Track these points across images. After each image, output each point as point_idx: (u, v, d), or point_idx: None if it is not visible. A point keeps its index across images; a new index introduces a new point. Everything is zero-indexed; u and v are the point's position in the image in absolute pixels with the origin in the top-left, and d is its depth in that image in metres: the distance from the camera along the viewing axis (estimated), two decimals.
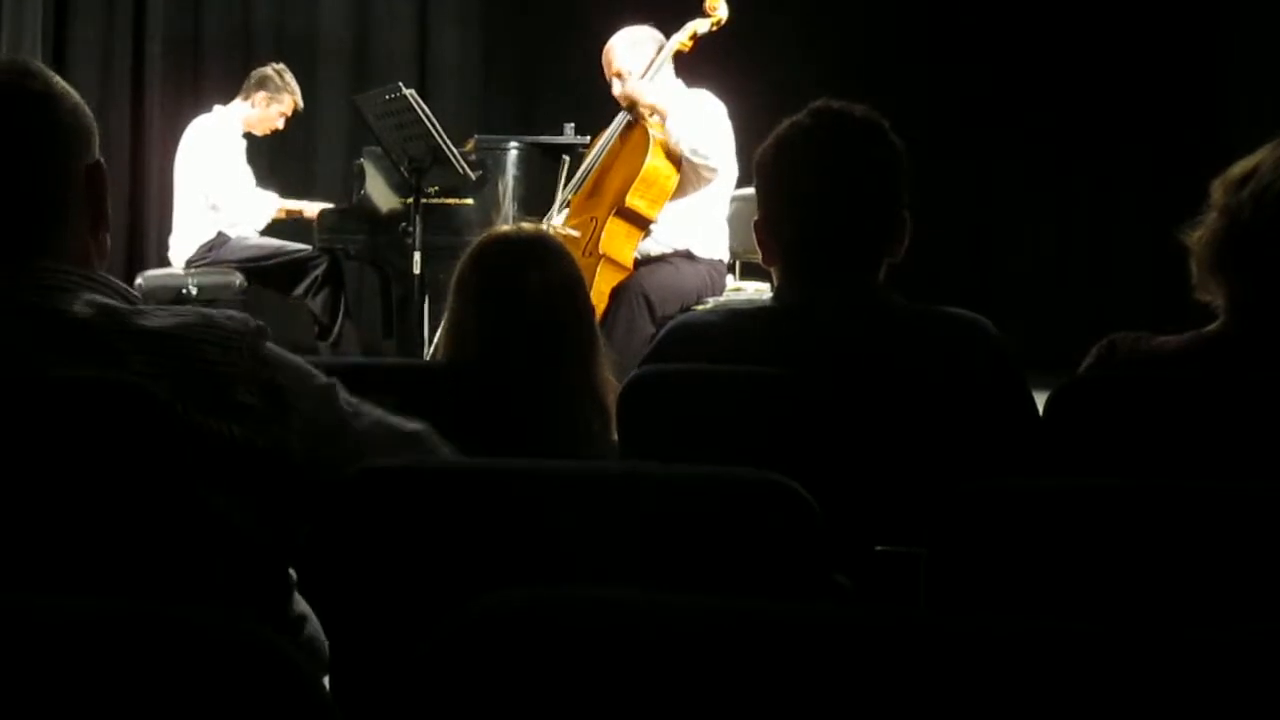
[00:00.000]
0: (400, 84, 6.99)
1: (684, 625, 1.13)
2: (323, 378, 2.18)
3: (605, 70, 6.28)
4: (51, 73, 2.18)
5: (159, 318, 2.05)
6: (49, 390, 1.96)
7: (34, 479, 1.92)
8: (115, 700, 1.07)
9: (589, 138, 6.87)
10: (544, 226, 6.01)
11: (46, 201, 2.10)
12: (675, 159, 6.06)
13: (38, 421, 1.94)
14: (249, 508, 2.02)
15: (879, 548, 2.33)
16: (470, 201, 7.43)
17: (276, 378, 2.08)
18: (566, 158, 6.60)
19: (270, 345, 2.11)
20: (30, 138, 2.10)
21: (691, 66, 6.33)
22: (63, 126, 2.14)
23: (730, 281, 6.47)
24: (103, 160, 2.19)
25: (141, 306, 2.09)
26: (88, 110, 2.19)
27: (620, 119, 6.27)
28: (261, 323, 2.13)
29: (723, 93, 6.17)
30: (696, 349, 2.80)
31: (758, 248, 2.90)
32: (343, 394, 2.19)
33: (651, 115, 6.15)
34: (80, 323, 2.01)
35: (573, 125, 7.64)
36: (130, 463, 1.92)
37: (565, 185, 6.42)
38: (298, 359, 2.17)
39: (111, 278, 2.14)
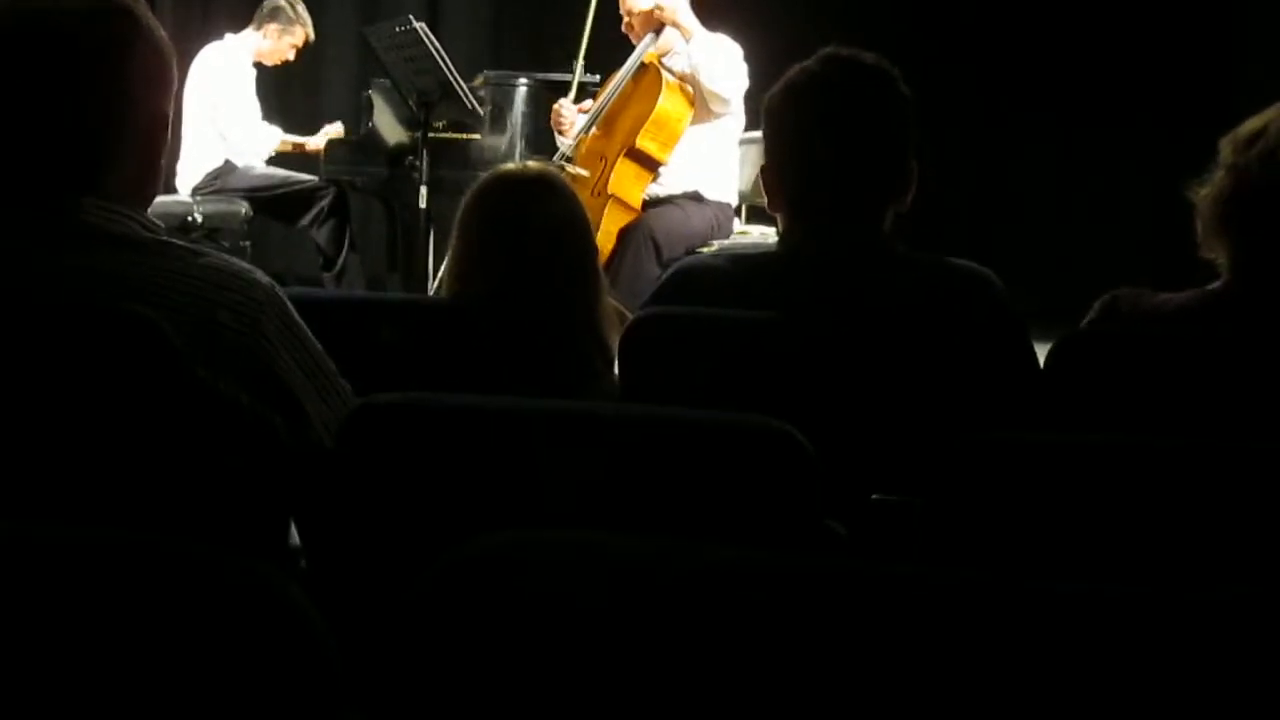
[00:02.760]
0: (410, 17, 6.96)
1: (662, 569, 1.13)
2: (328, 365, 2.19)
3: (620, 6, 6.27)
4: (144, 9, 2.16)
5: (184, 259, 2.06)
6: (60, 315, 1.97)
7: (38, 402, 1.93)
8: (113, 633, 1.07)
9: (599, 76, 6.84)
10: (553, 163, 6.03)
11: (106, 141, 2.10)
12: (688, 99, 6.06)
13: (49, 346, 1.95)
14: (240, 453, 2.03)
15: (875, 496, 2.33)
16: (478, 136, 7.41)
17: (276, 364, 2.08)
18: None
19: (283, 317, 2.11)
20: (102, 76, 2.09)
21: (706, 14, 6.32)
22: (137, 70, 2.12)
23: (736, 225, 6.47)
24: (169, 111, 2.18)
25: (167, 240, 2.10)
26: (171, 55, 2.18)
27: (635, 57, 6.24)
28: (280, 294, 2.12)
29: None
30: (700, 292, 2.80)
31: (763, 193, 2.90)
32: (342, 384, 2.20)
33: (668, 53, 6.14)
34: (105, 256, 2.02)
35: (582, 63, 7.61)
36: (133, 392, 1.93)
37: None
38: (305, 333, 2.17)
39: (150, 218, 2.15)
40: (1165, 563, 1.77)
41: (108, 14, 2.10)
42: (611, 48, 6.49)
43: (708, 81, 5.99)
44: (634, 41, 6.26)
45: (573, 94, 6.56)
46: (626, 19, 6.25)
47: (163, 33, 2.18)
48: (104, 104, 2.10)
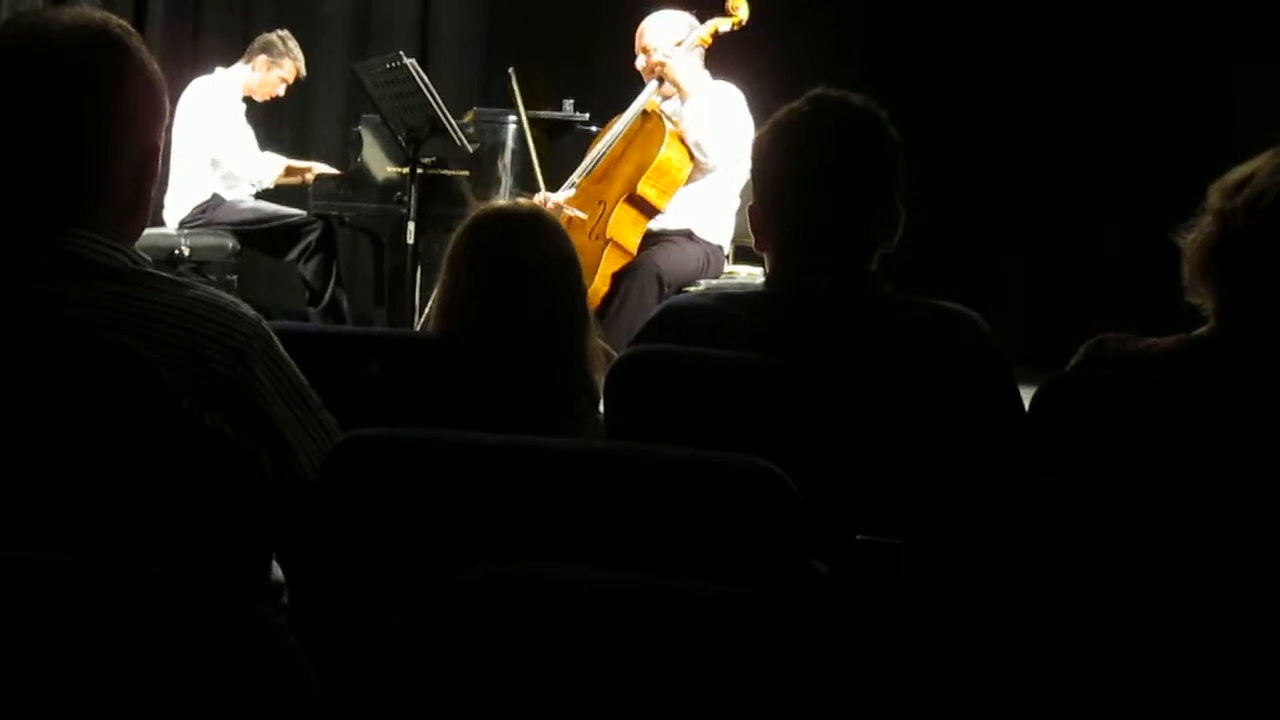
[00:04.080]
0: (401, 53, 6.97)
1: (643, 606, 1.13)
2: (313, 399, 2.19)
3: (636, 44, 6.32)
4: (138, 41, 2.16)
5: (171, 292, 2.06)
6: (46, 345, 1.97)
7: (23, 432, 1.93)
8: (93, 661, 1.07)
9: (589, 115, 6.86)
10: (539, 200, 6.04)
11: (97, 172, 2.10)
12: (689, 150, 6.11)
13: (33, 375, 1.95)
14: (224, 486, 2.03)
15: (859, 536, 2.33)
16: (467, 173, 7.41)
17: (261, 398, 2.08)
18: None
19: (269, 350, 2.11)
20: (95, 107, 2.09)
21: (714, 60, 6.37)
22: (130, 101, 2.13)
23: (726, 266, 6.49)
24: (161, 143, 2.18)
25: (153, 272, 2.10)
26: (163, 88, 2.18)
27: (637, 105, 6.28)
28: (266, 327, 2.12)
29: (741, 87, 6.21)
30: (687, 331, 2.80)
31: (750, 232, 2.91)
32: (326, 417, 2.20)
33: (671, 96, 6.18)
34: (91, 288, 2.02)
35: (572, 101, 7.63)
36: (118, 424, 1.93)
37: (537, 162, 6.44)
38: (290, 366, 2.17)
39: (136, 251, 2.15)
40: (1149, 606, 1.77)
41: (101, 46, 2.11)
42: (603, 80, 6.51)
43: (694, 149, 6.06)
44: (645, 80, 6.30)
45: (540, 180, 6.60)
46: (644, 58, 6.30)
47: (155, 65, 2.19)
48: (95, 135, 2.10)
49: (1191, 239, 2.68)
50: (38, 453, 1.92)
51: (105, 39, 2.11)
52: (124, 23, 2.16)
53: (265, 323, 2.15)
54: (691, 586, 1.15)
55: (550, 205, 6.17)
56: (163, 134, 2.19)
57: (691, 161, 6.12)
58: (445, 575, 1.14)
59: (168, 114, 2.21)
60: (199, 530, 2.00)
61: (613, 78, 6.33)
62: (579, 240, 5.71)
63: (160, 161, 2.20)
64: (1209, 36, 9.01)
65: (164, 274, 2.14)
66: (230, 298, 2.14)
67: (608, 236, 6.07)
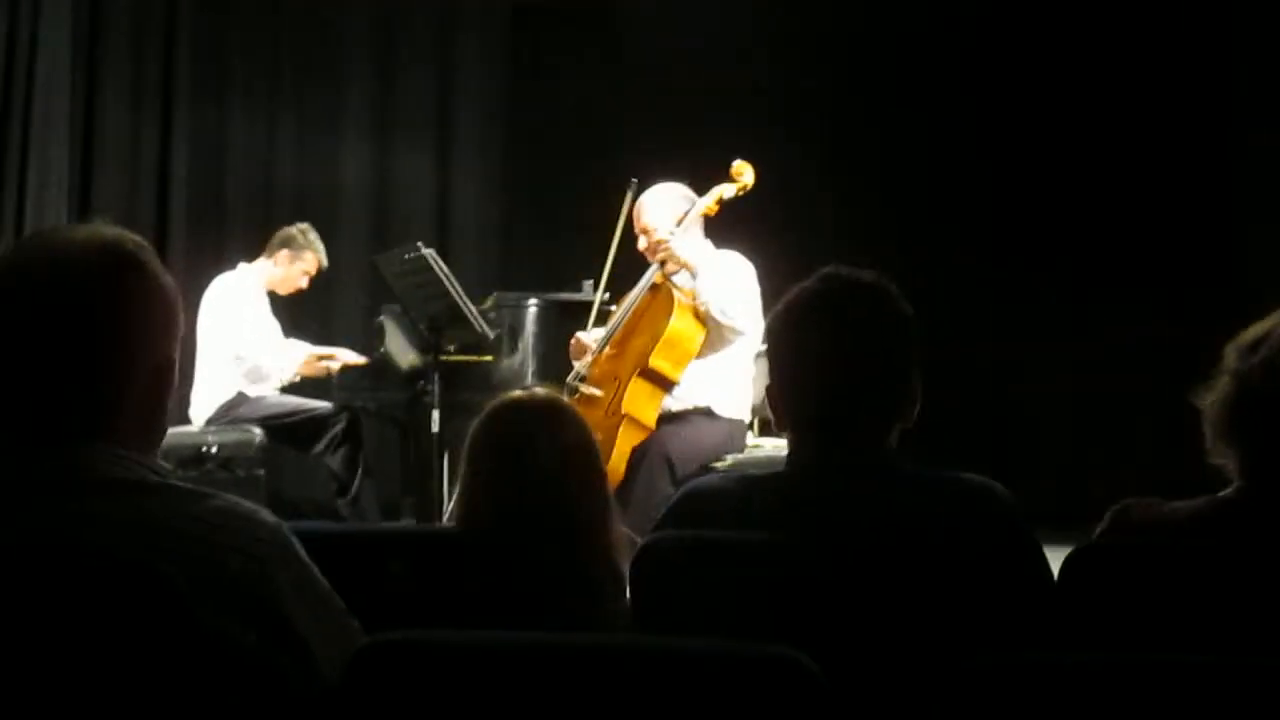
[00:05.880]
0: (419, 244, 7.04)
1: None
2: (336, 602, 2.18)
3: (635, 224, 6.34)
4: (150, 256, 2.19)
5: (191, 503, 2.07)
6: (66, 564, 1.97)
7: (44, 652, 1.93)
8: None
9: (609, 294, 6.92)
10: (568, 383, 6.07)
11: (114, 388, 2.12)
12: (700, 319, 6.11)
13: (53, 594, 1.95)
14: (246, 697, 2.02)
15: None
16: (490, 358, 7.45)
17: (283, 606, 2.08)
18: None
19: (289, 557, 2.11)
20: (109, 324, 2.11)
21: (720, 227, 6.40)
22: (144, 317, 2.15)
23: (750, 439, 6.47)
24: (176, 356, 2.20)
25: (173, 484, 2.11)
26: (176, 301, 2.21)
27: (646, 279, 6.31)
28: (287, 533, 2.13)
29: (749, 253, 6.23)
30: (708, 515, 2.79)
31: (769, 411, 2.91)
32: (349, 622, 2.20)
33: (677, 272, 6.21)
34: (111, 503, 2.03)
35: (591, 282, 7.68)
36: (137, 641, 1.92)
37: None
38: (312, 572, 2.16)
39: (158, 462, 2.16)
40: None
41: (117, 266, 2.13)
42: (622, 265, 6.55)
43: (720, 316, 6.06)
44: (650, 260, 6.32)
45: (591, 321, 6.60)
46: (644, 240, 6.32)
47: (169, 279, 2.21)
48: (112, 353, 2.12)
49: (1210, 400, 2.68)
50: (59, 672, 1.92)
51: (117, 257, 2.13)
52: (137, 238, 2.19)
53: (286, 528, 2.15)
54: None
55: (587, 344, 6.22)
56: (178, 346, 2.21)
57: (704, 329, 6.11)
58: None
59: (182, 326, 2.23)
60: None
61: (633, 255, 6.36)
62: (595, 417, 5.73)
63: (175, 374, 2.21)
64: (1225, 191, 9.04)
65: (184, 485, 2.14)
66: (250, 505, 2.14)
67: (624, 413, 6.06)
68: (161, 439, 2.25)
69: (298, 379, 8.30)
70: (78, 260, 2.11)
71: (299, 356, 8.25)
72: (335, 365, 8.21)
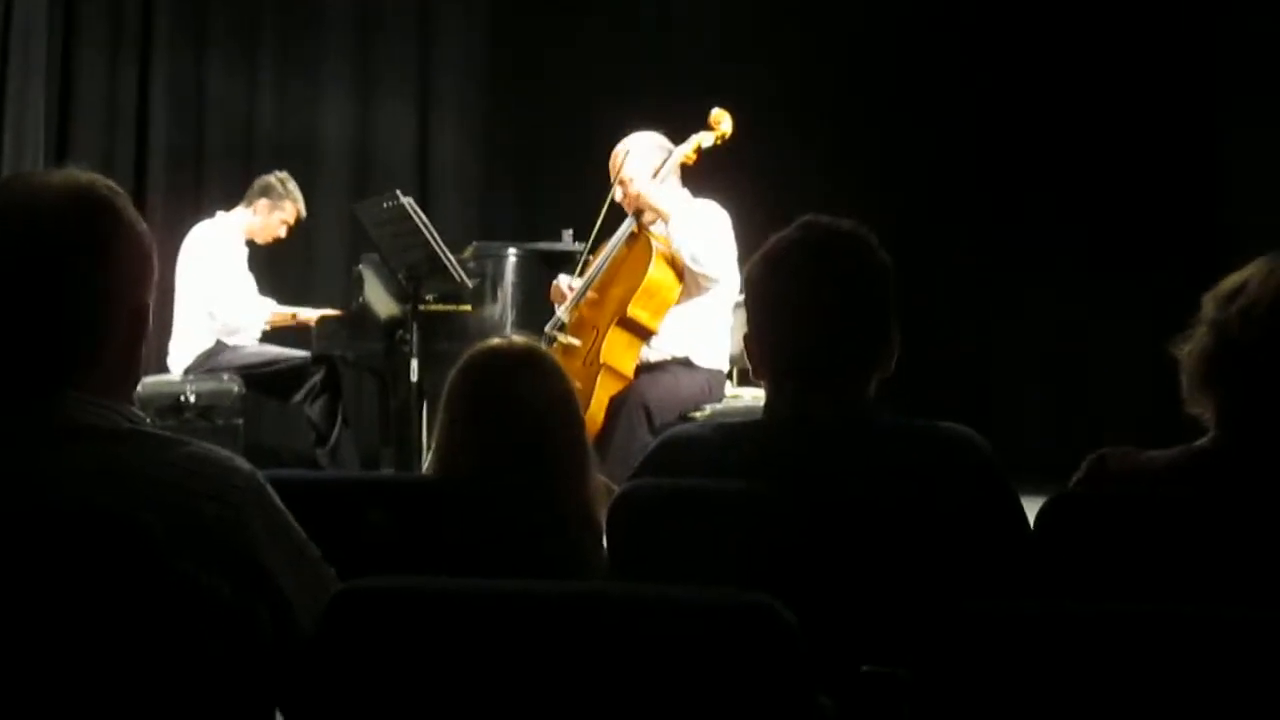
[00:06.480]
0: (398, 192, 7.01)
1: None
2: (311, 550, 2.18)
3: (611, 174, 6.32)
4: (125, 201, 2.17)
5: (165, 450, 2.06)
6: (38, 513, 1.96)
7: (17, 602, 1.92)
8: None
9: (590, 245, 6.90)
10: (546, 333, 6.06)
11: (87, 335, 2.10)
12: (678, 269, 6.10)
13: (25, 543, 1.94)
14: (222, 645, 2.02)
15: (865, 668, 2.30)
16: (469, 308, 7.44)
17: (258, 553, 2.07)
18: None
19: (264, 504, 2.11)
20: (83, 269, 2.09)
21: (698, 177, 6.38)
22: (118, 262, 2.13)
23: (729, 389, 6.47)
24: (150, 302, 2.19)
25: (147, 431, 2.10)
26: (151, 247, 2.19)
27: (624, 228, 6.30)
28: (261, 481, 2.12)
29: (728, 203, 6.21)
30: (686, 463, 2.79)
31: (747, 361, 2.90)
32: (325, 570, 2.20)
33: (654, 221, 6.20)
34: (83, 451, 2.02)
35: (571, 232, 7.66)
36: (111, 590, 1.92)
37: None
38: (287, 519, 2.16)
39: (131, 409, 2.14)
40: None
41: (90, 210, 2.12)
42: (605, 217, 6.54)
43: (691, 263, 6.06)
44: (627, 210, 6.30)
45: (578, 271, 6.59)
46: (621, 190, 6.30)
47: (144, 225, 2.19)
48: (85, 299, 2.10)
49: (1188, 350, 2.68)
50: (33, 622, 1.91)
51: (92, 202, 2.12)
52: (111, 183, 2.17)
53: (260, 476, 2.14)
54: None
55: (567, 288, 6.22)
56: (152, 293, 2.19)
57: (680, 281, 6.11)
58: None
59: (156, 272, 2.21)
60: (199, 691, 1.98)
61: (614, 208, 6.34)
62: (574, 367, 5.73)
63: (150, 321, 2.20)
64: (1210, 149, 9.05)
65: (158, 432, 2.13)
66: (225, 453, 2.13)
67: (602, 362, 6.07)
68: (136, 387, 2.23)
69: (269, 329, 8.28)
70: (51, 205, 2.09)
71: (264, 316, 8.23)
72: (308, 320, 8.19)
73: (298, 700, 2.14)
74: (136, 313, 2.15)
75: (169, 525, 1.96)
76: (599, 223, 6.38)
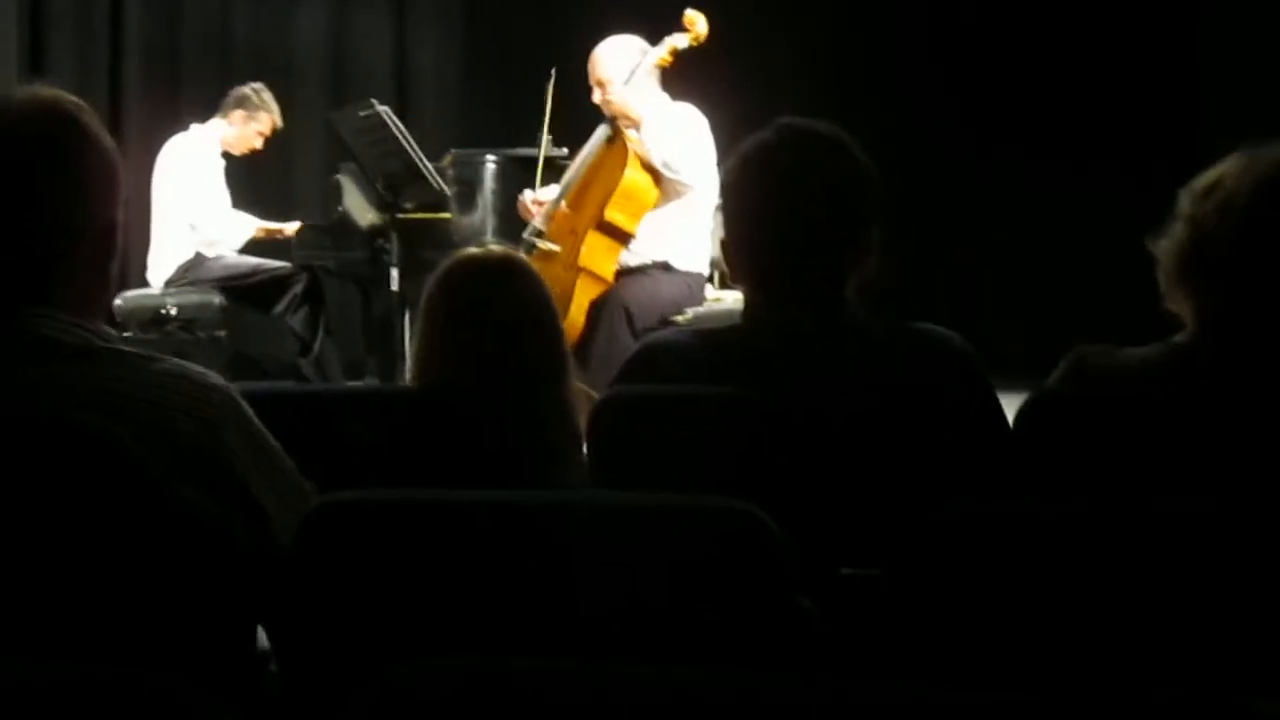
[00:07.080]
0: (374, 100, 6.98)
1: (597, 695, 1.12)
2: (287, 464, 2.18)
3: (589, 78, 6.28)
4: (90, 117, 2.15)
5: (138, 366, 2.05)
6: (11, 427, 1.95)
7: None
8: None
9: (568, 150, 6.86)
10: (524, 239, 6.04)
11: (56, 251, 2.09)
12: (655, 172, 6.06)
13: (4, 460, 1.93)
14: (201, 559, 2.02)
15: (845, 570, 2.31)
16: (449, 216, 7.41)
17: (234, 467, 2.07)
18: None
19: (240, 419, 2.10)
20: (52, 187, 2.08)
21: (679, 80, 6.33)
22: (86, 179, 2.11)
23: (710, 292, 6.46)
24: (119, 218, 2.17)
25: (120, 348, 2.09)
26: (115, 163, 2.17)
27: (601, 132, 6.26)
28: (236, 395, 2.11)
29: (709, 107, 6.17)
30: (665, 369, 2.79)
31: (725, 265, 2.89)
32: (301, 482, 2.19)
33: (629, 127, 6.16)
34: (56, 367, 2.01)
35: (550, 138, 7.62)
36: (87, 503, 1.92)
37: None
38: (263, 433, 2.15)
39: (103, 327, 2.13)
40: (1134, 632, 1.75)
41: (54, 123, 2.10)
42: (578, 120, 6.51)
43: (663, 169, 6.01)
44: (606, 112, 6.27)
45: (538, 179, 6.55)
46: (599, 93, 6.26)
47: (110, 141, 2.18)
48: (53, 214, 2.09)
49: (1164, 246, 2.66)
50: (7, 536, 1.91)
51: (56, 118, 2.10)
52: (75, 99, 2.15)
53: (235, 390, 2.14)
54: (665, 674, 1.13)
55: (532, 202, 6.20)
56: (121, 208, 2.18)
57: (658, 185, 6.09)
58: (395, 666, 1.12)
59: (124, 187, 2.19)
60: (178, 605, 1.98)
61: (591, 112, 6.31)
62: (554, 272, 5.72)
63: (119, 237, 2.18)
64: (1188, 42, 9.02)
65: (131, 349, 2.12)
66: (199, 369, 2.13)
67: (581, 266, 6.04)
68: (108, 303, 2.23)
69: (258, 236, 8.25)
70: (16, 123, 2.08)
71: (246, 231, 8.19)
72: (287, 233, 8.17)
73: (277, 612, 2.15)
74: (105, 230, 2.14)
75: (144, 440, 1.96)
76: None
